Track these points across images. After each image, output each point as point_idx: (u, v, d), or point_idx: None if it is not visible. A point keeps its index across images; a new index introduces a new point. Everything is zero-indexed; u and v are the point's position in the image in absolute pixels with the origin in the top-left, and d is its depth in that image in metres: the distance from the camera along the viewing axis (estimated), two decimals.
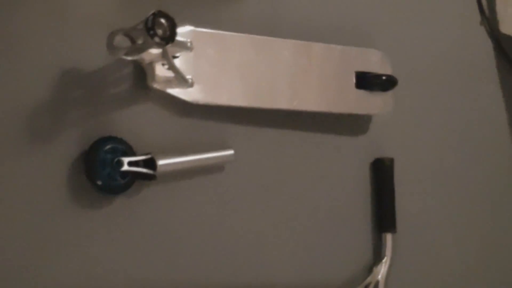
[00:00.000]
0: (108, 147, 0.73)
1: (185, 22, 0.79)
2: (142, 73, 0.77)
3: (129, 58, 0.72)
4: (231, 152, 0.82)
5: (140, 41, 0.70)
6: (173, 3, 0.79)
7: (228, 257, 0.83)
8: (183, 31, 0.79)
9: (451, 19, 1.09)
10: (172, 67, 0.75)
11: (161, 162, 0.75)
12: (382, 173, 0.96)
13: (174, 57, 0.77)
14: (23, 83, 0.72)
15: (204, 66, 0.80)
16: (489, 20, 1.11)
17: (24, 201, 0.70)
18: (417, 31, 1.04)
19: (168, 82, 0.78)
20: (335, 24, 0.94)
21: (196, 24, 0.80)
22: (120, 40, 0.71)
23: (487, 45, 1.12)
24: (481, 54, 1.11)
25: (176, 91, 0.78)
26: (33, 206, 0.71)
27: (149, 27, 0.66)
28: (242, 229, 0.85)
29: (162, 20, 0.68)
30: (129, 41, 0.72)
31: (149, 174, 0.75)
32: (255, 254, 0.86)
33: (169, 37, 0.68)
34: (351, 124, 0.94)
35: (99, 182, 0.73)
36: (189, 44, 0.79)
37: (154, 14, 0.67)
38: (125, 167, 0.73)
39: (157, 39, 0.67)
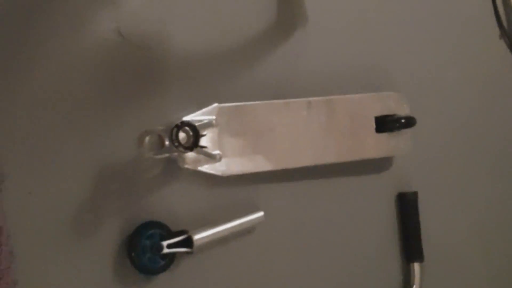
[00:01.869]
0: (147, 233, 0.83)
1: (209, 98, 0.87)
2: (172, 158, 0.85)
3: (159, 157, 0.80)
4: (261, 214, 0.91)
5: (167, 142, 0.78)
6: (196, 84, 0.87)
7: None
8: (209, 109, 0.87)
9: (468, 38, 1.13)
10: (201, 154, 0.83)
11: (196, 237, 0.85)
12: (406, 206, 1.03)
13: (201, 135, 0.85)
14: (66, 182, 0.81)
15: (229, 138, 0.88)
16: (508, 33, 1.15)
17: None
18: (433, 59, 1.09)
19: (198, 161, 0.86)
20: (350, 73, 1.00)
21: (219, 100, 0.87)
22: (150, 139, 0.80)
23: (509, 59, 1.15)
24: (503, 69, 1.15)
25: (205, 168, 0.87)
26: None
27: (173, 138, 0.75)
28: (279, 281, 0.94)
29: (186, 128, 0.77)
30: (158, 137, 0.80)
31: (187, 251, 0.84)
32: None
33: (193, 145, 0.76)
34: (374, 165, 1.01)
35: (142, 267, 0.82)
36: (214, 121, 0.87)
37: (177, 126, 0.75)
38: (165, 250, 0.83)
39: (181, 149, 0.75)
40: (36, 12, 0.80)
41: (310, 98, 0.95)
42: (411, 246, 1.04)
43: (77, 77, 0.82)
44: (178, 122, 0.75)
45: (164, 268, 0.84)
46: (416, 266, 1.03)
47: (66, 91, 0.81)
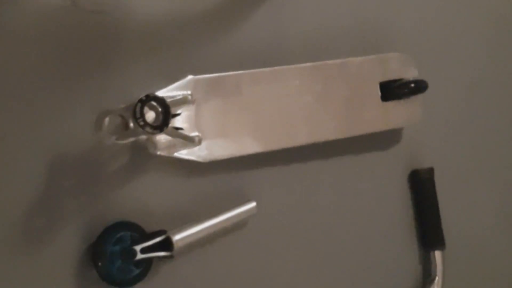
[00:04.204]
0: (115, 237, 0.69)
1: (182, 70, 0.74)
2: (140, 143, 0.71)
3: (122, 142, 0.66)
4: (252, 204, 0.78)
5: (131, 124, 0.64)
6: (165, 54, 0.75)
7: None
8: (183, 83, 0.74)
9: None
10: (177, 136, 0.69)
11: (177, 237, 0.71)
12: (422, 185, 0.91)
13: (175, 115, 0.72)
14: (11, 181, 0.68)
15: (208, 117, 0.75)
16: None
17: None
18: (440, 13, 0.97)
19: (173, 145, 0.73)
20: (346, 33, 0.87)
21: (194, 71, 0.73)
22: (111, 121, 0.66)
23: None
24: None
25: (183, 153, 0.74)
26: None
27: (137, 116, 0.61)
28: (280, 283, 0.82)
29: (153, 103, 0.63)
30: (120, 119, 0.66)
31: (167, 256, 0.70)
32: None
33: (163, 124, 0.62)
34: (380, 139, 0.89)
35: (112, 278, 0.69)
36: (190, 97, 0.73)
37: (141, 100, 0.61)
38: (139, 256, 0.69)
39: (148, 129, 0.61)
40: None
41: (301, 64, 0.82)
42: (430, 232, 0.92)
43: (20, 50, 0.69)
44: (142, 96, 0.60)
45: (139, 278, 0.71)
46: (437, 254, 0.91)
47: (6, 67, 0.68)
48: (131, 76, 0.74)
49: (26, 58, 0.69)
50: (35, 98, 0.69)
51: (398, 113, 0.87)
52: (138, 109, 0.61)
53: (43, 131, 0.69)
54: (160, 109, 0.63)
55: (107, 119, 0.65)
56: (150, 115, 0.65)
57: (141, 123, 0.61)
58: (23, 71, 0.69)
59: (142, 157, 0.73)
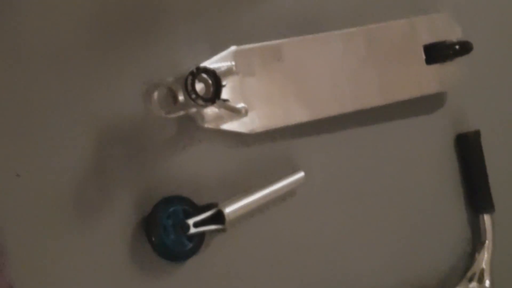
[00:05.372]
0: (168, 211, 0.70)
1: (224, 40, 0.75)
2: (187, 115, 0.72)
3: (172, 115, 0.66)
4: (301, 174, 0.78)
5: (181, 97, 0.65)
6: (207, 23, 0.76)
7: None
8: (226, 54, 0.74)
9: None
10: (225, 108, 0.70)
11: (228, 210, 0.72)
12: (468, 148, 0.91)
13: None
14: (61, 155, 0.68)
15: (253, 87, 0.75)
16: None
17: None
18: None
19: (219, 117, 0.73)
20: None
21: (237, 41, 0.74)
22: (159, 93, 0.66)
23: None
24: None
25: (230, 125, 0.74)
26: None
27: (189, 89, 0.61)
28: (332, 249, 0.83)
29: (204, 75, 0.63)
30: (169, 92, 0.67)
31: (219, 229, 0.71)
32: (347, 265, 0.84)
33: (215, 96, 0.62)
34: (426, 103, 0.88)
35: (166, 252, 0.70)
36: (234, 68, 0.73)
37: (192, 73, 0.61)
38: (192, 230, 0.70)
39: (200, 102, 0.62)
40: None
41: (345, 30, 0.82)
42: (478, 196, 0.91)
43: (64, 22, 0.69)
44: (193, 68, 0.61)
45: (193, 252, 0.72)
46: (487, 218, 0.90)
47: (51, 38, 0.68)
48: (174, 47, 0.74)
49: (73, 29, 0.69)
50: (82, 70, 0.69)
51: (443, 76, 0.87)
52: (189, 81, 0.61)
53: (90, 102, 0.69)
54: (210, 81, 0.63)
55: (155, 93, 0.65)
56: (197, 86, 0.65)
57: (193, 96, 0.61)
58: (71, 41, 0.69)
59: (190, 130, 0.73)
